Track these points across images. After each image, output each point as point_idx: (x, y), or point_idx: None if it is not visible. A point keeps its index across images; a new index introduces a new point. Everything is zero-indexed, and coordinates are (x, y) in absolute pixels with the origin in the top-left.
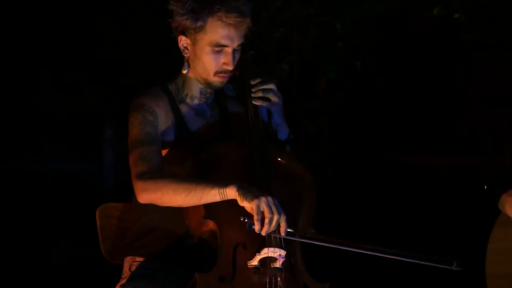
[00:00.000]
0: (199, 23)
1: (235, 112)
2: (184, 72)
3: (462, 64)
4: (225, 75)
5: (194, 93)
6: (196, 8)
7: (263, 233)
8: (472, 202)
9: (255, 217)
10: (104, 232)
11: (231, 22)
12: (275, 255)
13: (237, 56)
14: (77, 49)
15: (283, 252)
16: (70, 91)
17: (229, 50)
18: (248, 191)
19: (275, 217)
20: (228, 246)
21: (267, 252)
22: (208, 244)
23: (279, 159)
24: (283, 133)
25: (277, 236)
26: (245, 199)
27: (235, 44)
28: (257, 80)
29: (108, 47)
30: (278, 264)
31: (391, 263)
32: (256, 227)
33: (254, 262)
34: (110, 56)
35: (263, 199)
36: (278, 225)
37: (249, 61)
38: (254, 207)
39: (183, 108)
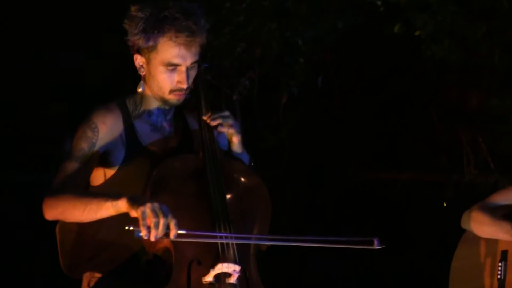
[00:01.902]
0: (150, 43)
1: (196, 127)
2: (139, 90)
3: (422, 81)
4: (180, 92)
5: (152, 110)
6: (147, 28)
7: (152, 238)
8: (432, 219)
9: (141, 223)
10: (63, 246)
11: (181, 41)
12: (230, 270)
13: (193, 73)
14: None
15: (237, 267)
16: (32, 104)
17: (182, 68)
18: (135, 200)
19: (161, 221)
20: (183, 262)
21: (221, 267)
22: (163, 261)
23: (233, 172)
24: (244, 159)
25: (231, 249)
26: (133, 209)
27: (188, 62)
28: (216, 115)
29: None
30: (233, 280)
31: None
32: (143, 232)
33: (209, 278)
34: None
35: (148, 204)
36: (167, 229)
37: (203, 74)
38: (140, 213)
39: (139, 124)
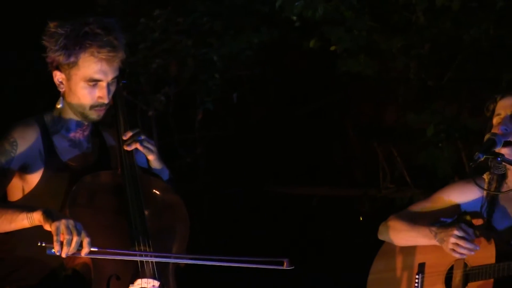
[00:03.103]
0: (72, 59)
1: (113, 144)
2: (59, 106)
3: (338, 96)
4: (101, 108)
5: (70, 126)
6: (68, 44)
7: (63, 254)
8: (348, 233)
9: (54, 239)
10: None
11: (103, 57)
12: (149, 286)
13: (112, 88)
14: None
15: (156, 283)
16: None
17: (103, 84)
18: (50, 215)
19: (74, 238)
20: (102, 277)
21: (140, 283)
22: (82, 276)
23: (152, 189)
24: (164, 174)
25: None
26: (47, 222)
27: (109, 78)
28: (129, 134)
29: None
30: None
31: None
32: (55, 248)
33: None
34: None
35: (63, 221)
36: (80, 246)
37: (121, 90)
38: (54, 228)
39: (57, 140)
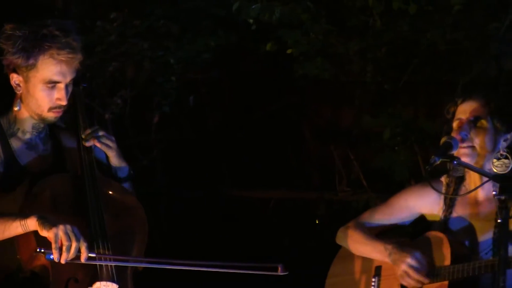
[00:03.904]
0: (30, 61)
1: (69, 146)
2: (16, 109)
3: (295, 99)
4: (59, 110)
5: (26, 128)
6: (27, 46)
7: (62, 261)
8: (305, 236)
9: (53, 246)
10: None
11: (62, 58)
12: None
13: (70, 90)
14: None
15: (115, 286)
16: None
17: (61, 86)
18: (47, 220)
19: (73, 244)
20: (60, 280)
21: (99, 286)
22: (40, 278)
23: (111, 192)
24: (123, 171)
25: (109, 268)
26: (44, 229)
27: (68, 79)
28: (88, 131)
29: None
30: None
31: None
32: (55, 255)
33: None
34: None
35: (61, 227)
36: (78, 252)
37: (82, 93)
38: (52, 235)
39: (14, 143)
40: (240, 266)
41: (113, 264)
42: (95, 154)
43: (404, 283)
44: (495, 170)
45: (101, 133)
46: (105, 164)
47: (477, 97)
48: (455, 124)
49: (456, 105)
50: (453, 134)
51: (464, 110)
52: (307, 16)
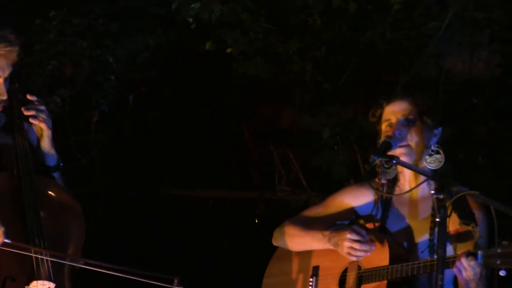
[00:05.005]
0: None
1: (4, 143)
2: None
3: (234, 98)
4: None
5: None
6: None
7: None
8: (244, 235)
9: None
10: None
11: (1, 52)
12: (44, 287)
13: (7, 84)
14: None
15: (52, 285)
16: None
17: (0, 80)
18: None
19: None
20: None
21: (36, 284)
22: None
23: (48, 190)
24: (52, 159)
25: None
26: None
27: (6, 73)
28: (32, 106)
29: None
30: None
31: None
32: None
33: None
34: None
35: None
36: None
37: (17, 91)
38: None
39: None
40: (135, 273)
41: (50, 259)
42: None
43: (353, 258)
44: (428, 167)
45: (42, 107)
46: (35, 149)
47: (403, 97)
48: (383, 126)
49: (383, 108)
50: (384, 136)
51: (393, 111)
52: (246, 15)
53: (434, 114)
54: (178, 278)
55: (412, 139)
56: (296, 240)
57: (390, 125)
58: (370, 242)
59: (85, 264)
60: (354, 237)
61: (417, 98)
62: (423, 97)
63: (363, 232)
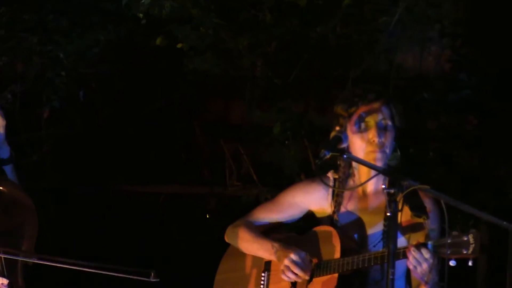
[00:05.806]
0: None
1: None
2: None
3: (185, 94)
4: None
5: None
6: None
7: None
8: (195, 231)
9: None
10: None
11: None
12: None
13: None
14: None
15: (5, 281)
16: None
17: None
18: None
19: None
20: None
21: None
22: None
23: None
24: (4, 151)
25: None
26: None
27: None
28: None
29: None
30: None
31: None
32: None
33: None
34: None
35: None
36: None
37: None
38: None
39: None
40: (113, 269)
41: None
42: None
43: (285, 278)
44: (389, 164)
45: None
46: None
47: (379, 98)
48: (369, 134)
49: (357, 106)
50: (372, 144)
51: (369, 111)
52: (197, 11)
53: (403, 116)
54: (154, 271)
55: (387, 143)
56: (245, 244)
57: (371, 131)
58: (307, 272)
59: (39, 259)
60: (295, 259)
61: (391, 100)
62: (394, 98)
63: (306, 260)
